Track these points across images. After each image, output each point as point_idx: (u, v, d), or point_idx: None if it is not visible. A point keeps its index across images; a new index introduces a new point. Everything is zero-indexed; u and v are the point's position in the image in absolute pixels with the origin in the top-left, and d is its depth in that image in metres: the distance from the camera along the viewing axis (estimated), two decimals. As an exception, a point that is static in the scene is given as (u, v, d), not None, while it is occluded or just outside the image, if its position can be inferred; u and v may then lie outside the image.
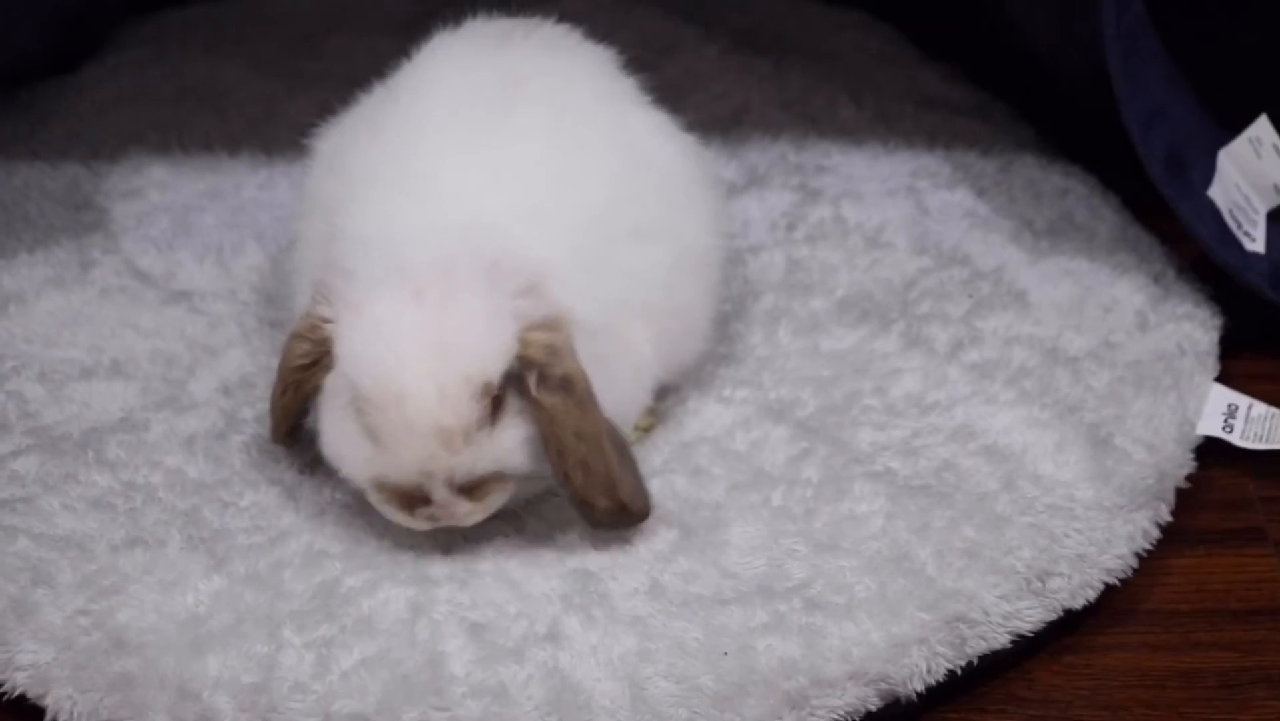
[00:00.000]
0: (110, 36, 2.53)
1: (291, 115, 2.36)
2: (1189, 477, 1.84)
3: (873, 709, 1.62)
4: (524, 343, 1.64)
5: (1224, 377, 1.94)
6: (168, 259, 2.13)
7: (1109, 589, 1.72)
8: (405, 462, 1.63)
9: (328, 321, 1.66)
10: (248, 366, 1.97)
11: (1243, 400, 1.90)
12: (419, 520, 1.67)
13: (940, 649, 1.64)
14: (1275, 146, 2.04)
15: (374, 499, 1.68)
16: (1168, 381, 1.91)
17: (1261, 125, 2.03)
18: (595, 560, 1.72)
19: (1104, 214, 2.19)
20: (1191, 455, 1.86)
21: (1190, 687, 1.66)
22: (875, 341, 1.99)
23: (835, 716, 1.60)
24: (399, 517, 1.67)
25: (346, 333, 1.64)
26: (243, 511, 1.79)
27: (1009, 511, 1.75)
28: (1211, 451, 1.88)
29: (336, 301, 1.65)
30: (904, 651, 1.63)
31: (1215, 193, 2.01)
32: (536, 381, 1.64)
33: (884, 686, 1.62)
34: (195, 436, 1.87)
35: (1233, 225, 2.01)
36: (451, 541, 1.72)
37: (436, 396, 1.61)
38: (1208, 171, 2.03)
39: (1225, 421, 1.89)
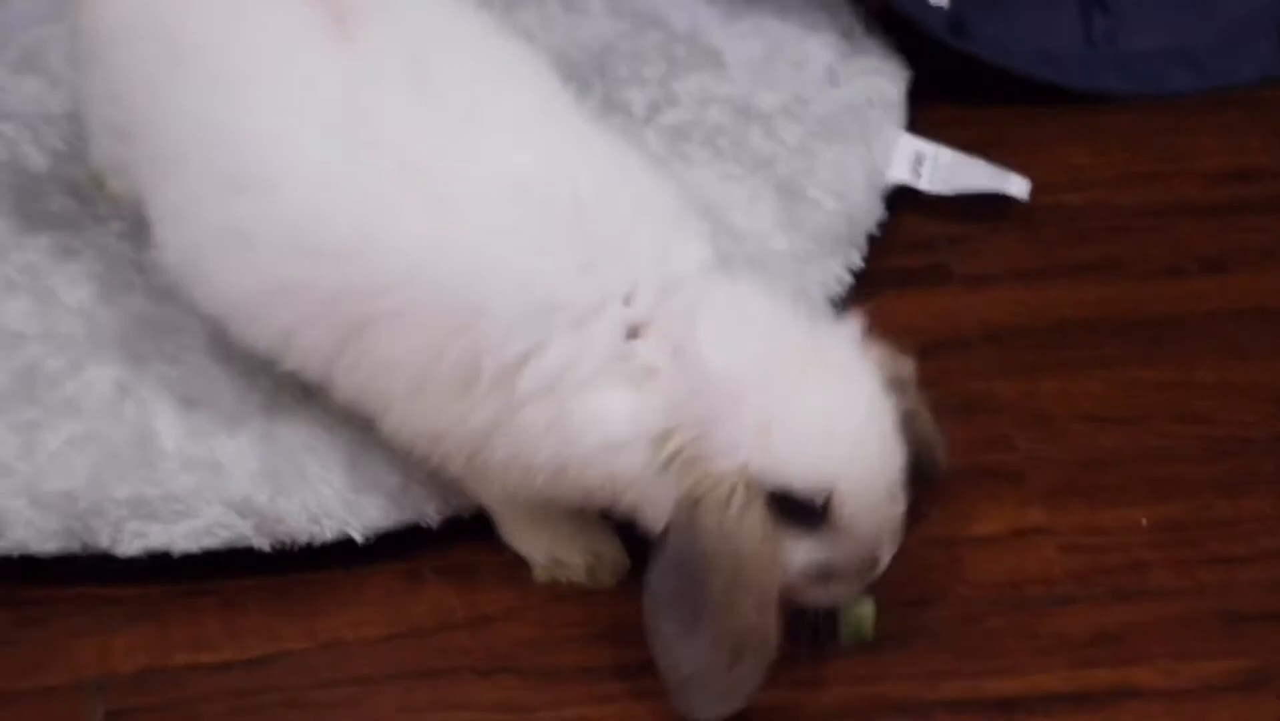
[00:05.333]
0: None
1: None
2: (880, 224, 1.90)
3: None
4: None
5: (913, 127, 1.99)
6: None
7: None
8: (870, 535, 1.46)
9: (742, 466, 1.41)
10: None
11: (929, 147, 1.96)
12: (855, 588, 1.51)
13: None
14: (954, -98, 2.08)
15: (804, 593, 1.48)
16: (857, 132, 1.96)
17: (940, -119, 2.08)
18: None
19: (796, -27, 2.22)
20: (882, 202, 1.91)
21: (881, 420, 1.72)
22: (574, 107, 2.01)
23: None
24: (825, 594, 1.49)
25: (779, 449, 1.41)
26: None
27: (705, 262, 1.79)
28: (902, 198, 1.93)
29: (727, 434, 1.42)
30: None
31: (898, -54, 2.05)
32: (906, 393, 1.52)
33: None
34: None
35: (916, -23, 2.06)
36: (160, 322, 1.72)
37: (890, 457, 1.46)
38: (892, -74, 2.06)
39: (914, 168, 1.94)
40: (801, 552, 1.44)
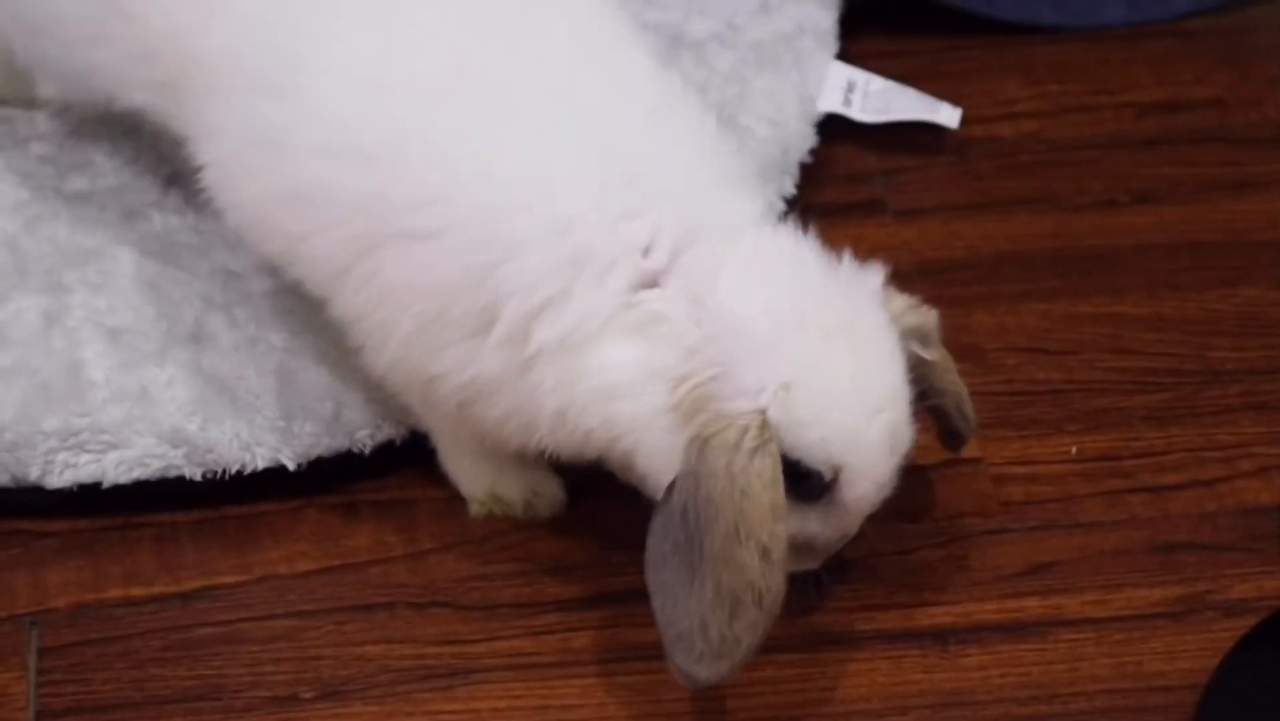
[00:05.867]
0: None
1: None
2: (812, 152, 1.89)
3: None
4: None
5: (846, 59, 1.98)
6: None
7: (736, 261, 1.77)
8: (857, 517, 1.44)
9: (758, 411, 1.35)
10: None
11: (861, 75, 1.95)
12: (818, 561, 1.49)
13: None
14: None
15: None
16: (789, 60, 1.95)
17: None
18: (237, 260, 1.70)
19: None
20: (814, 131, 1.91)
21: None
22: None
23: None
24: (790, 563, 1.39)
25: (798, 411, 1.36)
26: None
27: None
28: (835, 128, 1.93)
29: (749, 378, 1.36)
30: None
31: (830, -124, 2.04)
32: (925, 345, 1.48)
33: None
34: None
35: (847, -93, 2.04)
36: (85, 251, 1.69)
37: (902, 444, 1.42)
38: None
39: (845, 97, 1.93)
40: (791, 523, 1.38)
